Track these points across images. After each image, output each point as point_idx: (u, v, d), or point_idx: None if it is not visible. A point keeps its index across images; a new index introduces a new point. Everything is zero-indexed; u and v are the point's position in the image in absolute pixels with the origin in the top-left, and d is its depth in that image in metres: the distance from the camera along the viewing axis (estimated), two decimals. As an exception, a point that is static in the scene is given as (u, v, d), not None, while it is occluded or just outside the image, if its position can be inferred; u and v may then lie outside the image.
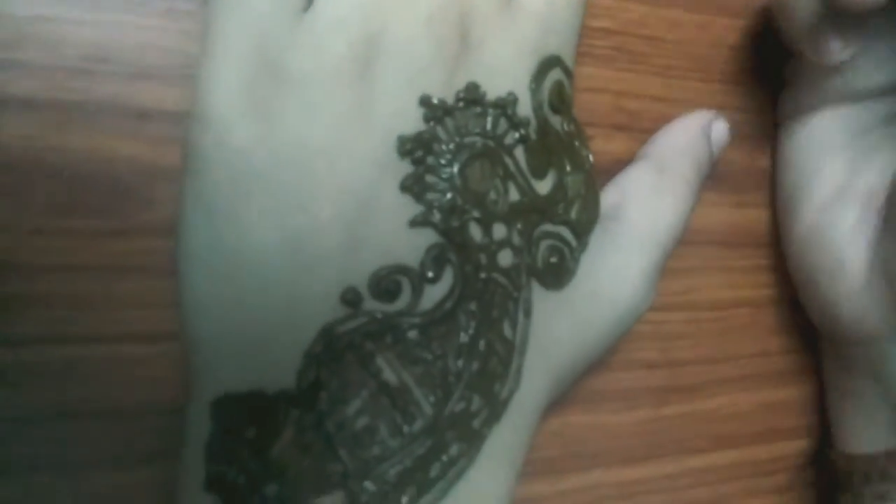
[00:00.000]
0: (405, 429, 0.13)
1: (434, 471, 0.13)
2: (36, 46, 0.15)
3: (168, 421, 0.16)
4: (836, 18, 0.18)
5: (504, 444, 0.14)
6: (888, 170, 0.20)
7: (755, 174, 0.23)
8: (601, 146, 0.20)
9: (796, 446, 0.23)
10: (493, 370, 0.14)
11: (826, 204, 0.21)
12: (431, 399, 0.13)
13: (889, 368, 0.20)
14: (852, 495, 0.21)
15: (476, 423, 0.14)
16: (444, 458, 0.13)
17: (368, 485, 0.13)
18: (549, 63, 0.16)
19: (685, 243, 0.20)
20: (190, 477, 0.14)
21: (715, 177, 0.21)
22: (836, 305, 0.21)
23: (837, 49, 0.19)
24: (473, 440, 0.14)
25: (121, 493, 0.16)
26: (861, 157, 0.21)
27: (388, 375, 0.13)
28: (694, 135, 0.20)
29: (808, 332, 0.23)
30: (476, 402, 0.14)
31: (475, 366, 0.14)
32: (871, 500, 0.20)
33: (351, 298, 0.13)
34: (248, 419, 0.13)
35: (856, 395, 0.21)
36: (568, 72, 0.17)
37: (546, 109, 0.16)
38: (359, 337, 0.13)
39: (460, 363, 0.14)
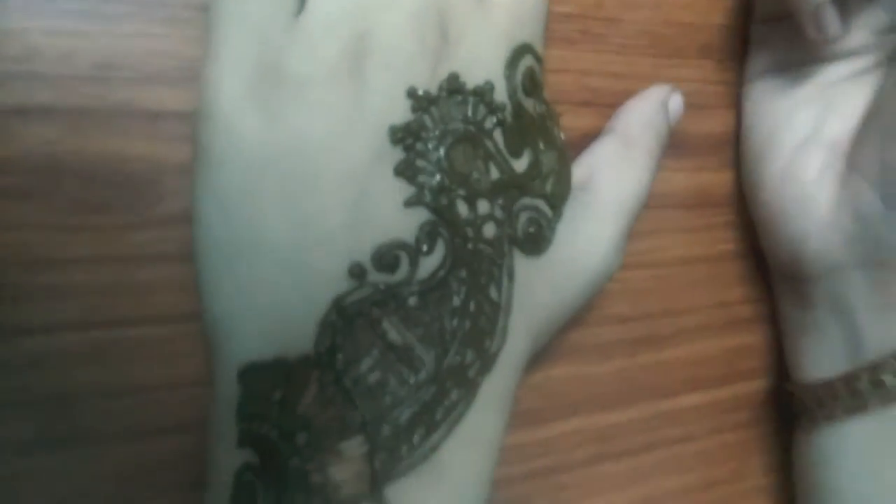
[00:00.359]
0: (411, 380, 0.15)
1: (438, 414, 0.15)
2: (51, 58, 0.17)
3: (192, 393, 0.17)
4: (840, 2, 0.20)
5: (495, 391, 0.16)
6: (851, 120, 0.22)
7: (709, 141, 0.25)
8: (569, 122, 0.21)
9: (756, 386, 0.25)
10: (482, 328, 0.16)
11: (795, 151, 0.23)
12: (432, 354, 0.15)
13: (848, 295, 0.22)
14: (807, 419, 0.23)
15: (471, 374, 0.16)
16: (446, 403, 0.15)
17: (385, 428, 0.14)
18: (521, 51, 0.17)
19: (649, 207, 0.22)
20: (222, 439, 0.15)
21: (673, 145, 0.22)
22: (802, 241, 0.23)
23: (838, 29, 0.21)
24: (470, 388, 0.15)
25: (155, 461, 0.17)
26: (827, 109, 0.23)
27: (394, 336, 0.15)
28: (654, 108, 0.21)
29: (763, 282, 0.26)
30: (470, 355, 0.16)
31: (467, 324, 0.16)
32: (823, 420, 0.22)
33: (357, 272, 0.15)
34: (274, 383, 0.15)
35: (813, 328, 0.23)
36: (538, 58, 0.18)
37: (520, 94, 0.17)
38: (366, 305, 0.15)
39: (454, 323, 0.16)
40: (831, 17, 0.21)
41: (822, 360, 0.23)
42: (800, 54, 0.23)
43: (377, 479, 0.14)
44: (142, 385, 0.17)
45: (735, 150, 0.25)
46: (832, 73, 0.23)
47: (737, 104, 0.25)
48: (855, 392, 0.21)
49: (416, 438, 0.15)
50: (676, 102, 0.22)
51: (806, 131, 0.23)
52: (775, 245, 0.24)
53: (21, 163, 0.16)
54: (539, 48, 0.18)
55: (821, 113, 0.23)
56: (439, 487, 0.15)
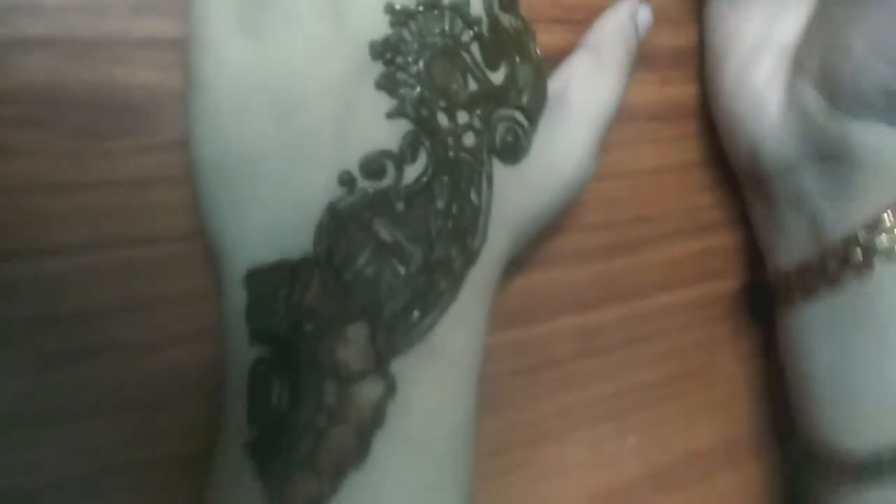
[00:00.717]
0: (403, 271, 0.16)
1: (430, 298, 0.17)
2: (46, -9, 0.17)
3: (211, 302, 0.19)
4: None
5: (479, 282, 0.18)
6: (798, 24, 0.23)
7: (677, 54, 0.26)
8: (542, 40, 0.22)
9: (725, 285, 0.27)
10: (465, 227, 0.17)
11: (747, 56, 0.24)
12: (419, 250, 0.17)
13: (803, 188, 0.23)
14: (783, 303, 0.25)
15: (456, 266, 0.17)
16: (436, 291, 0.17)
17: (385, 311, 0.16)
18: None
19: (620, 119, 0.23)
20: (234, 339, 0.17)
21: (642, 58, 0.23)
22: (759, 142, 0.24)
23: None
24: (456, 278, 0.17)
25: (177, 367, 0.19)
26: (776, 16, 0.24)
27: (385, 235, 0.16)
28: (623, 22, 0.22)
29: (731, 187, 0.27)
30: (454, 251, 0.17)
31: (450, 224, 0.17)
32: (799, 301, 0.24)
33: (347, 180, 0.16)
34: (278, 282, 0.16)
35: (779, 221, 0.25)
36: None
37: (496, 8, 0.18)
38: (357, 209, 0.16)
39: (439, 223, 0.17)
40: None
41: (791, 248, 0.25)
42: None
43: (381, 356, 0.16)
44: (153, 299, 0.19)
45: (696, 62, 0.26)
46: None
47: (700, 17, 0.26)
48: (823, 270, 0.23)
49: (412, 321, 0.16)
50: (645, 15, 0.23)
51: (757, 38, 0.24)
52: (735, 148, 0.25)
53: (23, 92, 0.17)
54: None
55: (770, 19, 0.24)
56: (436, 361, 0.17)
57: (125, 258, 0.18)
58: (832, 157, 0.22)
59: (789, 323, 0.25)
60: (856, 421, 0.23)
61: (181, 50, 0.18)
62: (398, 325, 0.16)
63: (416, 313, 0.16)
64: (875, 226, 0.22)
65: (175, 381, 0.19)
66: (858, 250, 0.22)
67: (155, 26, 0.18)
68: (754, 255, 0.28)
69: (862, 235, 0.22)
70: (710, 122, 0.26)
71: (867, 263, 0.22)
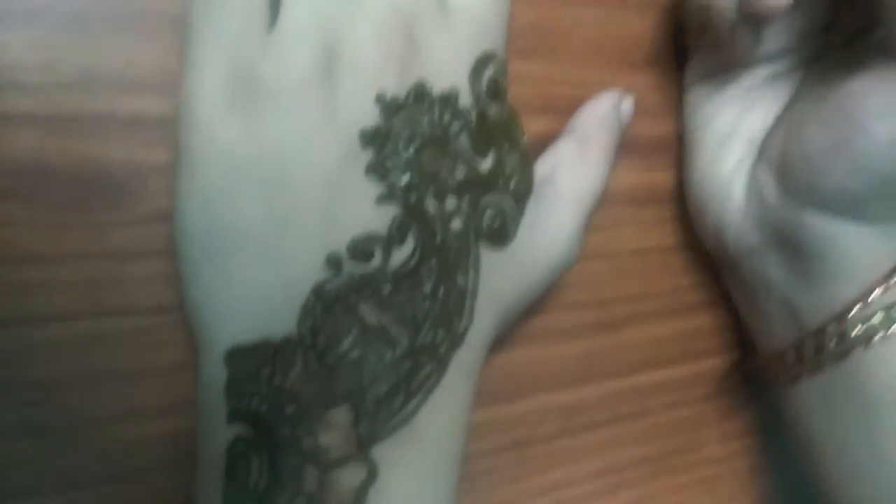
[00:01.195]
0: (388, 356, 0.16)
1: (414, 384, 0.17)
2: (34, 68, 0.17)
3: (180, 377, 0.18)
4: (752, 25, 0.21)
5: (464, 365, 0.18)
6: (768, 118, 0.24)
7: (658, 141, 0.26)
8: (528, 127, 0.22)
9: (708, 364, 0.27)
10: (451, 310, 0.17)
11: (717, 145, 0.25)
12: (406, 334, 0.17)
13: (770, 275, 0.24)
14: (771, 386, 0.25)
15: (442, 350, 0.17)
16: (421, 375, 0.17)
17: (368, 396, 0.16)
18: (485, 59, 0.19)
19: (604, 203, 0.24)
20: (211, 417, 0.16)
21: (625, 145, 0.24)
22: (723, 228, 0.25)
23: (751, 44, 0.22)
24: (441, 362, 0.17)
25: (139, 443, 0.18)
26: (747, 108, 0.25)
27: (370, 319, 0.16)
28: (607, 110, 0.23)
29: (712, 269, 0.27)
30: (440, 334, 0.17)
31: (437, 308, 0.17)
32: (784, 386, 0.24)
33: (334, 262, 0.16)
34: (261, 362, 0.16)
35: (754, 305, 0.25)
36: (501, 64, 0.20)
37: (484, 99, 0.19)
38: (344, 291, 0.16)
39: (426, 306, 0.17)
40: (744, 37, 0.22)
41: (770, 332, 0.25)
42: (726, 61, 0.24)
43: (363, 442, 0.16)
44: (125, 372, 0.18)
45: (679, 149, 0.27)
46: (756, 75, 0.24)
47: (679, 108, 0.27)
48: (801, 358, 0.23)
49: (395, 405, 0.16)
50: (628, 105, 0.24)
51: (728, 128, 0.25)
52: (704, 233, 0.26)
53: (6, 165, 0.17)
54: (502, 55, 0.20)
55: (742, 112, 0.25)
56: (418, 445, 0.17)
57: (95, 330, 0.18)
58: (793, 246, 0.23)
59: (784, 401, 0.25)
60: (854, 500, 0.23)
61: (166, 127, 0.18)
62: (381, 411, 0.16)
63: (399, 398, 0.16)
64: (844, 316, 0.22)
65: (142, 456, 0.19)
66: (834, 339, 0.22)
67: (141, 104, 0.18)
68: (737, 335, 0.28)
69: (833, 326, 0.22)
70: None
71: (843, 352, 0.22)
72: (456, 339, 0.17)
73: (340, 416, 0.16)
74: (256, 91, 0.17)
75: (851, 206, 0.21)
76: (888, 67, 0.20)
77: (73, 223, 0.18)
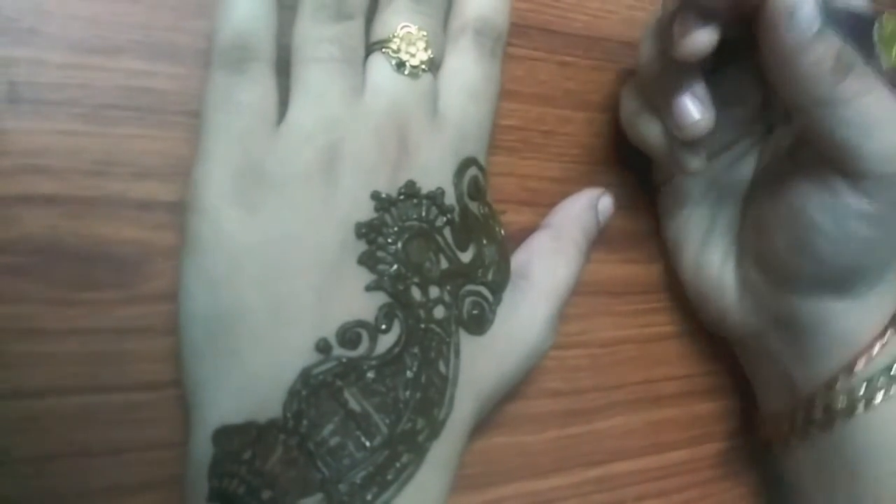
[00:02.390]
0: (367, 444, 0.17)
1: (390, 475, 0.17)
2: (59, 154, 0.19)
3: (169, 453, 0.19)
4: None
5: (442, 455, 0.18)
6: (737, 206, 0.26)
7: (635, 236, 0.28)
8: (511, 218, 0.24)
9: (678, 456, 0.28)
10: (432, 398, 0.18)
11: (700, 243, 0.26)
12: (387, 421, 0.17)
13: (772, 350, 0.25)
14: (770, 445, 0.26)
15: (421, 439, 0.18)
16: (398, 464, 0.17)
17: (342, 487, 0.16)
18: (467, 163, 0.21)
19: (580, 294, 0.25)
20: (194, 495, 0.17)
21: (603, 239, 0.26)
22: (724, 315, 0.26)
23: (693, 162, 0.23)
24: (419, 452, 0.18)
25: None
26: (718, 201, 0.26)
27: (354, 405, 0.17)
28: (583, 208, 0.25)
29: (686, 362, 0.29)
30: (420, 422, 0.18)
31: (419, 395, 0.18)
32: (779, 446, 0.26)
33: (323, 347, 0.17)
34: (244, 443, 0.17)
35: (758, 371, 0.27)
36: (481, 168, 0.21)
37: (466, 198, 0.21)
38: (330, 376, 0.17)
39: (407, 394, 0.18)
40: (683, 152, 0.23)
41: (770, 398, 0.26)
42: (679, 171, 0.26)
43: None
44: (114, 447, 0.19)
45: (657, 244, 0.28)
46: (717, 165, 0.26)
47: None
48: (793, 425, 0.25)
49: (369, 497, 0.17)
50: (606, 203, 0.25)
51: (706, 224, 0.26)
52: (707, 320, 0.27)
53: (22, 243, 0.18)
54: (482, 160, 0.22)
55: (714, 206, 0.26)
56: None
57: (90, 404, 0.19)
58: (788, 326, 0.24)
59: (780, 465, 0.26)
60: None
61: (174, 212, 0.20)
62: (354, 502, 0.16)
63: (374, 490, 0.17)
64: (832, 386, 0.23)
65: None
66: (821, 409, 0.23)
67: (152, 190, 0.20)
68: (708, 427, 0.29)
69: (821, 397, 0.23)
70: (665, 299, 0.28)
71: (828, 420, 0.23)
72: (435, 429, 0.18)
73: None
74: (262, 183, 0.18)
75: (831, 288, 0.23)
76: (821, 161, 0.21)
77: (81, 300, 0.19)
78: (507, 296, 0.21)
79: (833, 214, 0.21)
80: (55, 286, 0.19)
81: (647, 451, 0.27)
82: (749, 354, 0.27)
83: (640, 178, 0.28)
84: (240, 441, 0.17)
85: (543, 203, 0.25)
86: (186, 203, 0.19)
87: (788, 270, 0.23)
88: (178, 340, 0.19)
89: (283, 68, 0.20)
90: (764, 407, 0.27)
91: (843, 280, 0.23)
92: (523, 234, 0.24)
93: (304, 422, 0.17)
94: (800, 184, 0.22)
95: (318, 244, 0.18)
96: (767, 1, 0.19)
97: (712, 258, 0.26)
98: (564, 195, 0.25)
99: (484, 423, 0.22)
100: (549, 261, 0.23)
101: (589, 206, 0.25)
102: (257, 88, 0.19)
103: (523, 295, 0.22)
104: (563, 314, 0.23)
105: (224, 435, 0.17)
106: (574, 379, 0.26)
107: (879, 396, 0.22)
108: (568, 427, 0.25)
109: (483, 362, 0.20)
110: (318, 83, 0.19)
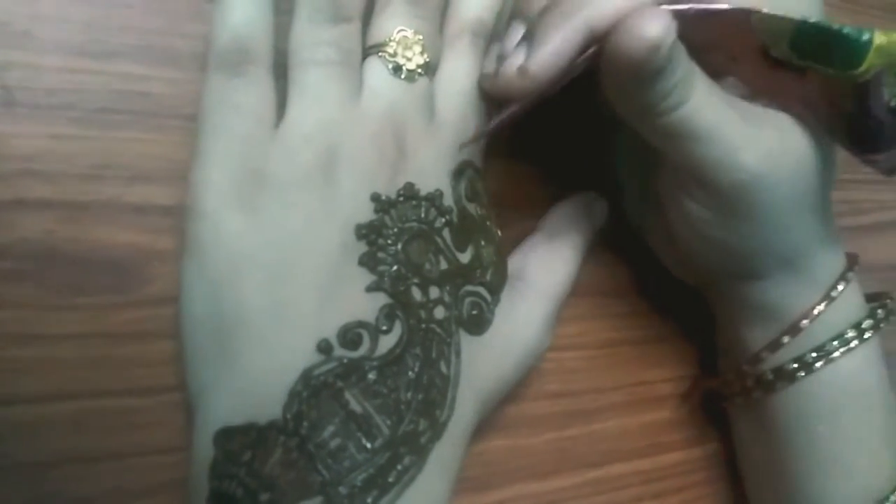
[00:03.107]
0: (368, 446, 0.17)
1: (392, 477, 0.17)
2: (54, 158, 0.19)
3: (169, 458, 0.19)
4: None
5: (444, 457, 0.18)
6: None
7: (631, 237, 0.28)
8: (511, 222, 0.24)
9: (674, 458, 0.28)
10: (434, 399, 0.18)
11: (639, 193, 0.26)
12: (388, 423, 0.17)
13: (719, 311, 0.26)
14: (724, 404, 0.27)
15: (423, 440, 0.18)
16: (399, 467, 0.17)
17: (342, 489, 0.16)
18: (464, 165, 0.21)
19: (577, 295, 0.25)
20: (196, 494, 0.17)
21: (599, 240, 0.25)
22: (672, 271, 0.27)
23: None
24: (421, 453, 0.18)
25: None
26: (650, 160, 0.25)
27: (355, 406, 0.17)
28: (579, 210, 0.25)
29: (680, 362, 0.29)
30: (422, 424, 0.18)
31: (420, 396, 0.18)
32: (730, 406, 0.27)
33: (324, 347, 0.17)
34: (244, 445, 0.16)
35: (719, 331, 0.27)
36: (478, 170, 0.21)
37: (463, 200, 0.21)
38: (331, 377, 0.17)
39: (409, 395, 0.18)
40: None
41: (724, 355, 0.27)
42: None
43: None
44: (113, 452, 0.19)
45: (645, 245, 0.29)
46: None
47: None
48: (743, 385, 0.25)
49: (369, 500, 0.16)
50: (600, 208, 0.26)
51: (642, 174, 0.26)
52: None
53: (18, 248, 0.18)
54: (479, 162, 0.22)
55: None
56: None
57: (88, 409, 0.18)
58: (718, 294, 0.25)
59: (732, 422, 0.28)
60: None
61: (172, 216, 0.19)
62: None
63: (374, 492, 0.17)
64: (774, 349, 0.24)
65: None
66: (769, 372, 0.24)
67: (149, 193, 0.20)
68: (704, 428, 0.29)
69: (766, 357, 0.24)
70: (662, 300, 0.28)
71: (774, 384, 0.24)
72: (437, 430, 0.18)
73: None
74: (262, 185, 0.18)
75: (733, 274, 0.24)
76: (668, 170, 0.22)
77: (78, 305, 0.19)
78: (505, 297, 0.21)
79: (682, 218, 0.22)
80: (51, 291, 0.18)
81: (644, 453, 0.27)
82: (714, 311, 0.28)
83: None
84: (239, 443, 0.17)
85: (540, 205, 0.25)
86: (185, 206, 0.19)
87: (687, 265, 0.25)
88: (179, 344, 0.18)
89: (281, 73, 0.20)
90: (720, 367, 0.28)
91: (733, 268, 0.24)
92: (520, 237, 0.24)
93: (305, 423, 0.17)
94: (661, 184, 0.23)
95: (319, 246, 0.18)
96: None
97: (648, 210, 0.26)
98: (560, 198, 0.25)
99: (482, 425, 0.22)
100: (546, 263, 0.23)
101: (585, 208, 0.25)
102: (255, 91, 0.19)
103: (521, 296, 0.22)
104: (561, 316, 0.23)
105: (224, 436, 0.17)
106: (571, 381, 0.26)
107: (820, 363, 0.23)
108: (566, 429, 0.25)
109: (482, 363, 0.20)
110: (315, 86, 0.19)
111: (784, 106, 0.21)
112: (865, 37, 0.18)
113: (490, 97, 0.22)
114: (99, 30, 0.20)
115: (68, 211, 0.19)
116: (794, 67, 0.20)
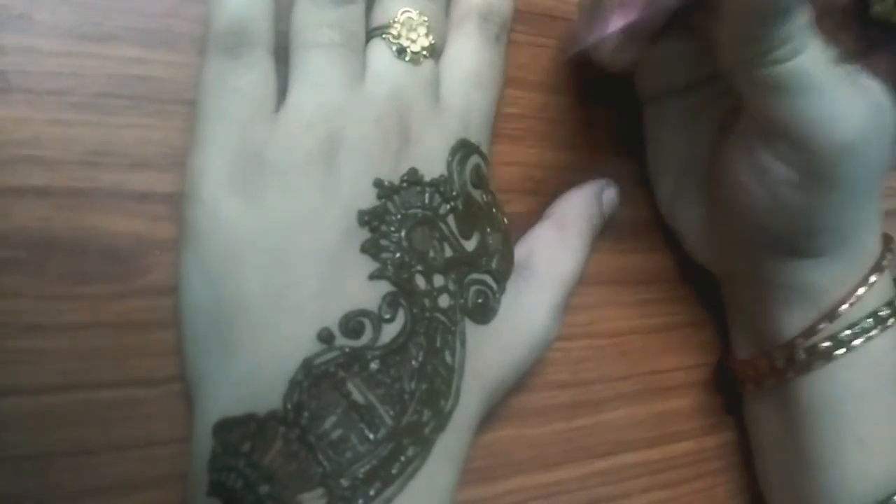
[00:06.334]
0: (371, 437, 0.16)
1: (395, 469, 0.17)
2: (51, 144, 0.18)
3: (168, 450, 0.18)
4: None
5: (449, 448, 0.18)
6: (711, 145, 0.25)
7: (640, 225, 0.27)
8: (514, 208, 0.24)
9: (684, 447, 0.27)
10: (438, 389, 0.18)
11: (676, 176, 0.26)
12: (391, 413, 0.17)
13: (742, 295, 0.26)
14: (743, 388, 0.27)
15: (427, 431, 0.17)
16: (403, 458, 0.17)
17: (343, 481, 0.16)
18: (469, 151, 0.20)
19: (586, 284, 0.25)
20: (196, 489, 0.17)
21: (608, 229, 0.25)
22: (696, 255, 0.26)
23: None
24: (425, 444, 0.17)
25: None
26: (697, 136, 0.25)
27: (357, 396, 0.17)
28: (588, 198, 0.24)
29: (691, 351, 0.28)
30: (426, 414, 0.17)
31: (424, 386, 0.18)
32: (753, 390, 0.26)
33: (325, 336, 0.17)
34: (244, 436, 0.16)
35: (737, 315, 0.27)
36: (483, 156, 0.21)
37: (469, 186, 0.20)
38: (332, 367, 0.17)
39: (413, 384, 0.17)
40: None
41: (745, 341, 0.26)
42: (665, 85, 0.26)
43: None
44: (112, 444, 0.18)
45: (663, 233, 0.28)
46: (698, 97, 0.25)
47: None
48: (772, 366, 0.25)
49: (372, 492, 0.16)
50: (611, 194, 0.25)
51: (683, 156, 0.26)
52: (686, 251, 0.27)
53: (16, 236, 0.18)
54: (485, 148, 0.21)
55: (692, 139, 0.25)
56: None
57: (86, 401, 0.18)
58: (754, 277, 0.24)
59: (749, 406, 0.27)
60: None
61: (171, 203, 0.19)
62: (356, 498, 0.16)
63: (377, 484, 0.16)
64: (812, 333, 0.23)
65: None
66: (802, 352, 0.23)
67: (148, 181, 0.19)
68: (714, 417, 0.28)
69: (800, 341, 0.23)
70: (671, 289, 0.28)
71: (808, 364, 0.23)
72: (442, 421, 0.18)
73: (314, 500, 0.16)
74: (262, 171, 0.18)
75: (787, 249, 0.23)
76: (748, 124, 0.21)
77: (76, 294, 0.18)
78: (511, 286, 0.21)
79: (761, 180, 0.21)
80: (49, 280, 0.18)
81: (653, 443, 0.27)
82: (726, 295, 0.27)
83: (646, 168, 0.28)
84: (239, 434, 0.16)
85: (547, 192, 0.25)
86: (184, 192, 0.18)
87: (742, 230, 0.23)
88: (178, 333, 0.18)
89: (282, 56, 0.19)
90: (738, 350, 0.27)
91: (796, 242, 0.22)
92: (526, 224, 0.24)
93: (305, 414, 0.16)
94: (732, 145, 0.22)
95: (320, 232, 0.18)
96: None
97: (686, 193, 0.26)
98: (569, 185, 0.25)
99: (490, 415, 0.21)
100: (553, 251, 0.23)
101: (594, 196, 0.25)
102: (255, 74, 0.18)
103: (527, 284, 0.21)
104: (569, 305, 0.23)
105: (224, 427, 0.16)
106: (580, 370, 0.25)
107: (858, 340, 0.23)
108: (574, 419, 0.25)
109: (488, 352, 0.20)
110: (318, 69, 0.19)
111: (874, 72, 0.20)
112: None
113: (498, 79, 0.21)
114: (97, 12, 0.19)
115: (66, 198, 0.18)
116: (889, 27, 0.19)
